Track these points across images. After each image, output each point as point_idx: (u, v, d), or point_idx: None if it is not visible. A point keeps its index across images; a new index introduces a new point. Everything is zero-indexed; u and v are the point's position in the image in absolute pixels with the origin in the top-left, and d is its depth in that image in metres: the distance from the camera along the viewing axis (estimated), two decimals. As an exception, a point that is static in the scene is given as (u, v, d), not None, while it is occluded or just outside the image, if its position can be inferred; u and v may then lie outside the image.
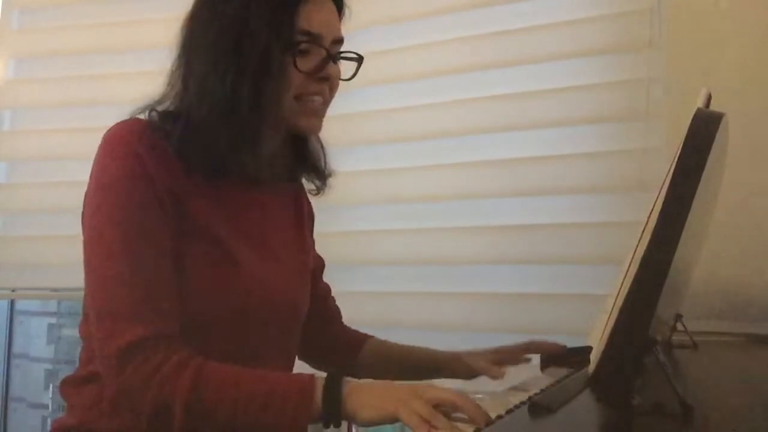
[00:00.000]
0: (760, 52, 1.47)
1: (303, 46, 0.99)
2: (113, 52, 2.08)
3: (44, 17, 2.17)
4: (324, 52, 1.01)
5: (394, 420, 0.82)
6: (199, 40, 0.99)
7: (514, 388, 1.04)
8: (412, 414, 0.79)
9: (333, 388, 0.86)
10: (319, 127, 1.06)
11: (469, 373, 1.21)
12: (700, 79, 1.48)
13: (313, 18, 0.99)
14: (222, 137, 0.97)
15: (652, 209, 0.75)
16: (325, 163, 1.15)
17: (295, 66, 0.98)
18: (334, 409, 0.85)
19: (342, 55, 1.05)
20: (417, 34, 1.81)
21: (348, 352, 1.26)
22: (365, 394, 0.85)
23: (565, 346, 1.22)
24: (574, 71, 1.65)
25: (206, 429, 0.88)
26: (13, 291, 2.16)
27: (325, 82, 1.02)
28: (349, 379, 0.88)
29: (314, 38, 1.00)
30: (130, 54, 2.04)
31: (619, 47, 1.62)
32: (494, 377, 1.18)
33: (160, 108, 1.02)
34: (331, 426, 0.88)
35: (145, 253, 0.92)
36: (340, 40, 1.04)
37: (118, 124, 0.98)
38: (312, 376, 0.89)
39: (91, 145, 0.99)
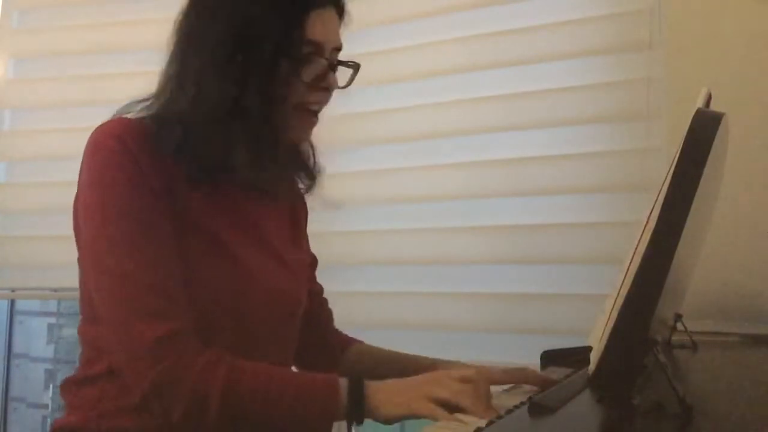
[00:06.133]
0: (760, 52, 1.47)
1: (307, 55, 0.99)
2: (113, 52, 2.08)
3: (44, 17, 2.17)
4: (325, 62, 1.01)
5: (415, 416, 0.85)
6: (200, 43, 0.98)
7: (514, 388, 1.04)
8: (432, 408, 0.83)
9: (357, 386, 0.89)
10: (310, 136, 1.08)
11: None
12: (700, 79, 1.48)
13: (317, 27, 0.99)
14: (221, 145, 0.96)
15: (652, 209, 0.75)
16: (315, 161, 1.15)
17: (299, 76, 0.98)
18: (358, 406, 0.88)
19: (341, 63, 1.05)
20: (417, 34, 1.81)
21: (333, 353, 1.25)
22: (387, 393, 0.88)
23: (554, 381, 1.04)
24: (574, 71, 1.65)
25: (237, 423, 0.89)
26: (13, 291, 2.16)
27: (325, 91, 1.02)
28: (369, 381, 0.90)
29: (318, 48, 1.00)
30: (130, 54, 2.04)
31: (619, 47, 1.62)
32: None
33: (146, 109, 1.01)
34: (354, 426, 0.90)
35: (152, 248, 0.92)
36: (339, 48, 1.04)
37: (104, 123, 0.97)
38: (336, 376, 0.91)
39: (87, 140, 0.98)
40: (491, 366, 1.05)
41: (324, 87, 1.02)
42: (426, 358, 1.20)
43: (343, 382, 0.89)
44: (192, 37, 1.00)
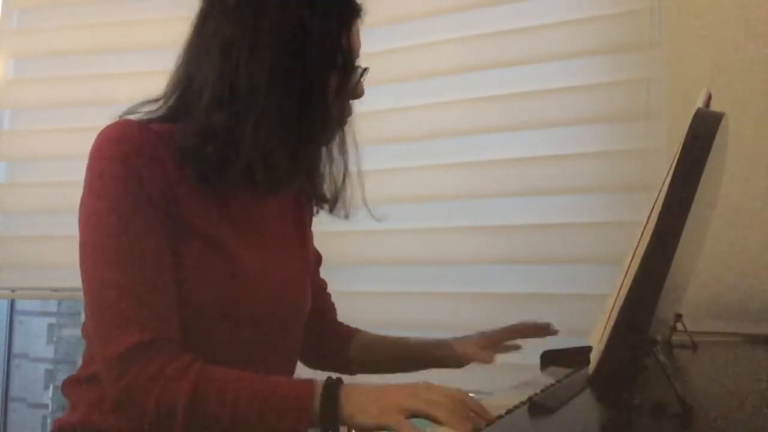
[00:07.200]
0: (760, 52, 1.47)
1: (348, 65, 1.01)
2: (113, 52, 2.08)
3: (44, 17, 2.16)
4: (359, 69, 1.04)
5: (384, 427, 0.82)
6: (251, 53, 0.95)
7: (515, 388, 1.04)
8: (400, 421, 0.80)
9: (331, 393, 0.86)
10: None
11: (459, 362, 1.22)
12: (700, 79, 1.48)
13: (354, 37, 1.02)
14: (281, 153, 0.96)
15: (652, 209, 0.75)
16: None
17: (348, 85, 1.01)
18: (331, 414, 0.85)
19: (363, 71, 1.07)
20: (417, 34, 1.81)
21: (338, 345, 1.27)
22: (363, 400, 0.85)
23: (547, 324, 1.23)
24: (574, 71, 1.65)
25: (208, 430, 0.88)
26: (13, 291, 2.16)
27: (355, 98, 1.06)
28: (347, 383, 0.88)
29: (355, 58, 1.03)
30: (130, 54, 2.04)
31: (619, 47, 1.62)
32: (484, 362, 1.20)
33: (157, 110, 1.01)
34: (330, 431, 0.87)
35: (140, 258, 0.91)
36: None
37: (107, 127, 0.96)
38: (311, 381, 0.89)
39: (91, 145, 0.98)
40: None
41: (357, 94, 1.06)
42: (434, 340, 1.23)
43: (318, 389, 0.87)
44: (239, 45, 0.95)
